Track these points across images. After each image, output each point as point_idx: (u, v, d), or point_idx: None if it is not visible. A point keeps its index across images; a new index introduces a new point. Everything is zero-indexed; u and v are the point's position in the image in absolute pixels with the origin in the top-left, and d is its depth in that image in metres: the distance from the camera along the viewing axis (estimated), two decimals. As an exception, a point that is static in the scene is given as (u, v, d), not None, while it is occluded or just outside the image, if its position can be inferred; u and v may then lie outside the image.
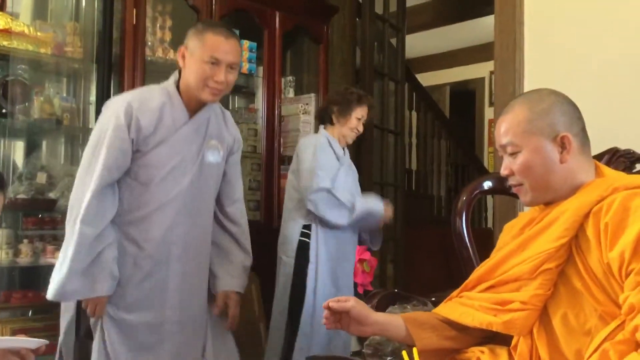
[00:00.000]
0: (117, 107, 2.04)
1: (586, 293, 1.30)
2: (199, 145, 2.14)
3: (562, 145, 1.38)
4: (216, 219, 2.28)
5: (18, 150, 2.89)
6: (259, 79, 3.38)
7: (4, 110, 2.65)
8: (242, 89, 3.65)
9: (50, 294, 2.00)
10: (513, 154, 1.42)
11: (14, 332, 2.52)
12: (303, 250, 2.78)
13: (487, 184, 2.07)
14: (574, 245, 1.34)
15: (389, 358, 1.66)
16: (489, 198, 5.35)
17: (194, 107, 2.13)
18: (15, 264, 2.66)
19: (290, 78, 3.62)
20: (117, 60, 2.79)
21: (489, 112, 6.95)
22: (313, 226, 2.78)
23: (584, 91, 1.47)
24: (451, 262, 4.60)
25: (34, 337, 1.54)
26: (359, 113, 2.86)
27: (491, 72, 6.27)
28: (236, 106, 3.69)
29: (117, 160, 2.01)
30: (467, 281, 1.52)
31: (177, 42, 3.06)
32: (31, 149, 2.91)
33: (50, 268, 2.07)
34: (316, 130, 3.38)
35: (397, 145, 4.55)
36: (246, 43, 3.28)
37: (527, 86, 2.56)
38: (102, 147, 2.01)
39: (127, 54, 2.76)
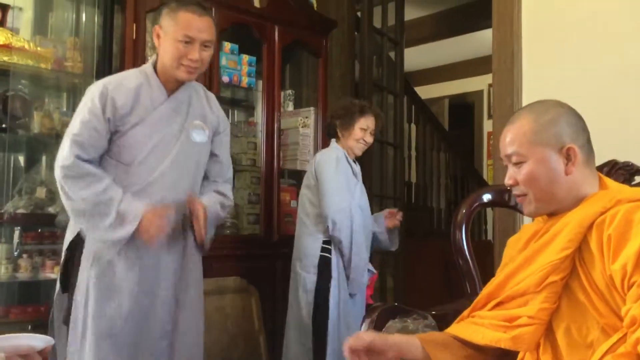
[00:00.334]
0: (93, 90, 2.08)
1: (589, 305, 1.30)
2: (179, 124, 2.16)
3: (568, 156, 1.38)
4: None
5: (18, 165, 2.89)
6: (258, 93, 3.39)
7: (4, 125, 2.65)
8: (242, 102, 3.66)
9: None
10: (518, 164, 1.41)
11: (13, 348, 2.51)
12: (325, 265, 2.76)
13: (487, 197, 2.07)
14: (577, 257, 1.34)
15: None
16: (489, 210, 5.34)
17: (172, 86, 2.15)
18: (14, 278, 2.65)
19: (289, 92, 3.63)
20: (117, 75, 2.80)
21: (487, 125, 6.96)
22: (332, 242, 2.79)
23: (581, 104, 1.47)
24: (451, 275, 4.59)
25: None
26: (363, 124, 2.86)
27: (490, 85, 6.28)
28: (236, 120, 3.69)
29: (90, 139, 2.03)
30: (477, 299, 1.51)
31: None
32: (31, 164, 2.91)
33: (49, 283, 2.06)
34: (322, 144, 3.41)
35: (397, 158, 4.56)
36: (245, 57, 3.29)
37: (525, 99, 2.57)
38: (76, 121, 2.05)
39: (127, 68, 2.76)
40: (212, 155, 2.29)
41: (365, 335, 1.39)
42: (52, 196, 2.77)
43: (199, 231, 2.14)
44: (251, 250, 3.16)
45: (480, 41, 5.77)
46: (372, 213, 3.08)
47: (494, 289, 1.47)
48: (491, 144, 6.16)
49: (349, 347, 1.38)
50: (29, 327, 2.75)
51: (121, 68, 2.78)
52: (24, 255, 2.68)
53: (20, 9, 2.80)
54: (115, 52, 2.81)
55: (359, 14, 4.30)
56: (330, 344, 2.69)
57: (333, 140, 2.94)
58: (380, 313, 1.77)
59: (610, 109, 2.21)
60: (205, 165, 2.28)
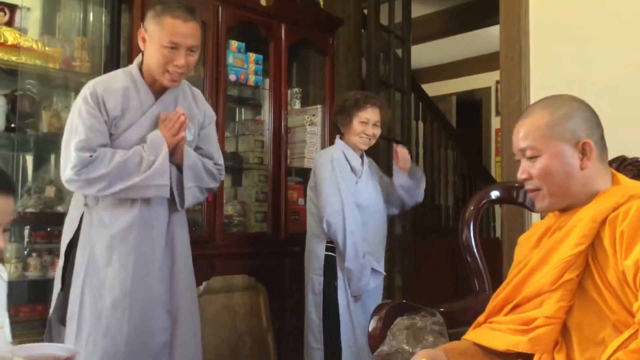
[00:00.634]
0: (83, 94, 2.09)
1: (600, 302, 1.30)
2: None
3: (583, 151, 1.38)
4: None
5: (27, 164, 2.91)
6: (265, 91, 3.39)
7: (12, 125, 2.67)
8: (249, 101, 3.67)
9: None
10: (532, 158, 1.41)
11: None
12: (330, 265, 2.71)
13: (495, 194, 2.06)
14: (590, 253, 1.34)
15: (398, 369, 1.65)
16: (497, 208, 5.32)
17: (159, 88, 2.16)
18: (24, 277, 2.66)
19: (296, 90, 3.63)
20: (124, 74, 2.81)
21: (495, 122, 6.94)
22: None
23: (589, 100, 1.46)
24: (459, 273, 4.58)
25: None
26: (362, 117, 2.77)
27: (497, 82, 6.26)
28: (243, 118, 3.70)
29: (96, 139, 2.06)
30: (493, 304, 1.50)
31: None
32: (40, 163, 2.93)
33: (59, 282, 2.11)
34: (329, 142, 3.40)
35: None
36: (252, 55, 3.30)
37: (533, 95, 2.56)
38: (79, 127, 2.05)
39: (134, 68, 2.77)
40: (197, 148, 2.30)
41: None
42: (61, 195, 2.79)
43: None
44: (259, 248, 3.17)
45: (487, 38, 5.75)
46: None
47: (509, 292, 1.46)
48: (499, 141, 6.14)
49: None
50: (40, 326, 2.77)
51: (128, 67, 2.78)
52: (34, 254, 2.70)
53: (28, 9, 2.81)
54: (122, 51, 2.81)
55: (365, 11, 4.29)
56: (344, 347, 2.65)
57: (337, 137, 2.89)
58: (389, 310, 1.77)
59: (619, 106, 2.20)
60: None
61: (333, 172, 2.70)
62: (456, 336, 1.62)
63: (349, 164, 2.77)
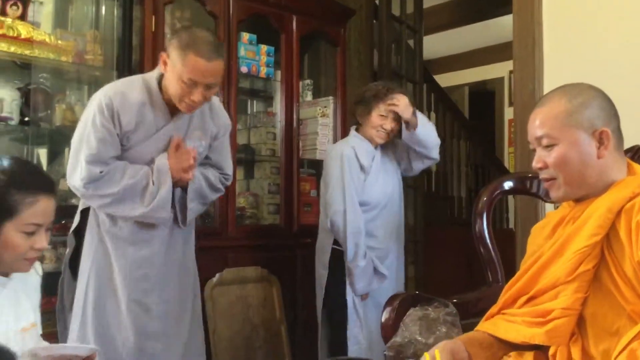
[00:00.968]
0: (100, 101, 2.08)
1: (616, 292, 1.29)
2: (181, 138, 2.18)
3: (600, 140, 1.37)
4: None
5: (41, 158, 2.93)
6: (277, 83, 3.39)
7: (26, 118, 2.69)
8: (260, 93, 3.67)
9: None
10: (548, 147, 1.39)
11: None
12: (338, 259, 2.66)
13: (508, 184, 2.05)
14: (605, 243, 1.33)
15: (411, 360, 1.65)
16: (511, 198, 5.30)
17: (175, 106, 2.14)
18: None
19: (308, 81, 3.62)
20: (136, 67, 2.82)
21: (508, 112, 6.89)
22: None
23: (604, 89, 1.45)
24: (472, 264, 4.57)
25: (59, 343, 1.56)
26: (382, 110, 2.67)
27: (510, 72, 6.22)
28: (255, 110, 3.70)
29: (107, 152, 2.07)
30: (506, 295, 1.49)
31: (195, 47, 3.08)
32: (54, 156, 2.95)
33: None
34: (341, 134, 3.39)
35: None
36: (264, 47, 3.29)
37: (547, 85, 2.53)
38: (91, 138, 2.06)
39: (146, 61, 2.78)
40: (206, 157, 2.32)
41: None
42: (75, 188, 2.81)
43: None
44: (271, 240, 3.18)
45: (500, 27, 5.70)
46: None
47: (524, 284, 1.45)
48: (512, 131, 6.10)
49: None
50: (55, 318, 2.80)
51: (141, 60, 2.80)
52: (49, 247, 2.72)
53: (41, 2, 2.82)
54: (134, 44, 2.82)
55: (377, 2, 4.27)
56: (351, 344, 2.63)
57: (352, 129, 2.83)
58: (402, 301, 1.77)
59: (633, 95, 2.17)
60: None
61: (341, 170, 2.64)
62: (469, 327, 1.62)
63: (359, 161, 2.69)
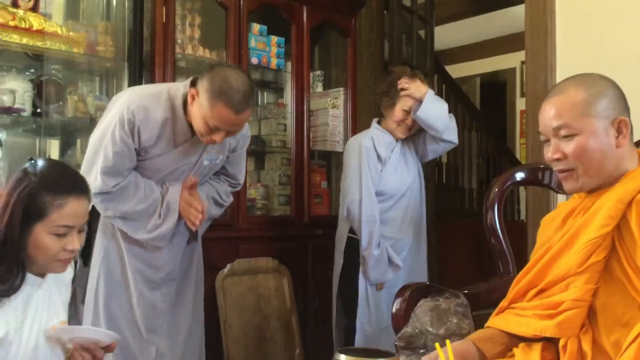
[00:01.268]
0: (121, 114, 2.06)
1: (627, 283, 1.28)
2: (197, 155, 2.19)
3: (619, 129, 1.35)
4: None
5: (53, 149, 2.95)
6: (287, 74, 3.39)
7: (39, 110, 2.70)
8: (271, 84, 3.66)
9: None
10: (567, 137, 1.36)
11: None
12: (353, 247, 2.69)
13: (520, 175, 2.04)
14: (616, 234, 1.32)
15: (421, 351, 1.65)
16: (522, 190, 5.28)
17: None
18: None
19: (318, 72, 3.62)
20: (147, 59, 2.82)
21: (520, 103, 6.84)
22: None
23: (617, 79, 1.44)
24: (483, 255, 4.57)
25: None
26: (406, 104, 2.67)
27: (522, 63, 6.17)
28: (265, 101, 3.70)
29: (122, 166, 2.09)
30: (516, 288, 1.48)
31: (206, 39, 3.09)
32: (66, 148, 2.96)
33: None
34: (352, 125, 3.40)
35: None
36: (274, 38, 3.29)
37: (559, 76, 2.52)
38: (108, 150, 2.06)
39: (157, 52, 2.79)
40: (224, 168, 2.35)
41: None
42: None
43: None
44: (282, 231, 3.18)
45: (512, 17, 5.65)
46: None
47: (534, 277, 1.44)
48: (524, 122, 6.06)
49: None
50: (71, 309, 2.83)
51: (152, 52, 2.80)
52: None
53: (52, -6, 2.84)
54: (145, 35, 2.83)
55: (388, -8, 4.24)
56: (358, 329, 2.65)
57: (374, 121, 2.83)
58: (413, 292, 1.78)
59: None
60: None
61: (358, 161, 2.67)
62: (480, 318, 1.62)
63: (376, 151, 2.69)
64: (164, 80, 2.77)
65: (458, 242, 4.85)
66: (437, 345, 1.33)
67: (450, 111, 2.81)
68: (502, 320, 1.47)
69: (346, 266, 2.72)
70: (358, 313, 2.65)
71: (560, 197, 2.23)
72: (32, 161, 1.51)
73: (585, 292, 1.32)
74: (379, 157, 2.69)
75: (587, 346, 1.33)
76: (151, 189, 2.14)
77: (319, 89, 3.58)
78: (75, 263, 2.26)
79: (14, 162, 2.75)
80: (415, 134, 2.80)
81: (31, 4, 2.67)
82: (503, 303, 1.52)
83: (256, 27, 3.22)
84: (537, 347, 1.41)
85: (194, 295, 2.35)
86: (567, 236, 1.39)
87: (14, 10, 2.60)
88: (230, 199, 2.44)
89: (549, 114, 1.39)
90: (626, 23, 2.31)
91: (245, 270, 2.92)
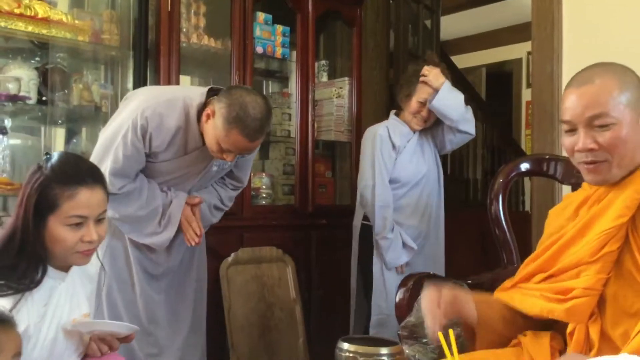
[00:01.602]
0: (134, 119, 2.06)
1: (637, 274, 1.28)
2: (206, 162, 2.20)
3: None
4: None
5: (59, 137, 2.96)
6: (293, 64, 3.38)
7: (44, 98, 2.71)
8: (276, 73, 3.66)
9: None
10: (602, 127, 1.31)
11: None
12: (367, 234, 2.78)
13: (525, 166, 2.04)
14: (631, 225, 1.31)
15: (424, 340, 1.66)
16: (527, 181, 5.27)
17: None
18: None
19: (323, 62, 3.61)
20: (152, 47, 2.82)
21: (526, 94, 6.82)
22: None
23: (625, 70, 1.42)
24: (487, 246, 4.56)
25: None
26: (422, 96, 2.71)
27: (528, 53, 6.13)
28: (270, 91, 3.69)
29: (131, 169, 2.10)
30: (523, 272, 1.47)
31: (211, 27, 3.08)
32: (71, 136, 2.97)
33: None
34: (357, 115, 3.42)
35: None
36: (279, 27, 3.28)
37: (565, 67, 2.50)
38: (119, 152, 2.07)
39: (162, 41, 2.78)
40: (230, 172, 2.36)
41: (447, 291, 1.38)
42: (92, 167, 2.83)
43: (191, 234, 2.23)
44: (286, 221, 3.19)
45: (518, 8, 5.61)
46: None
47: (543, 263, 1.43)
48: (530, 113, 6.03)
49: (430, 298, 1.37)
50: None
51: (157, 40, 2.80)
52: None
53: (58, -18, 2.83)
54: (150, 24, 2.82)
55: (394, -19, 4.22)
56: (373, 314, 2.72)
57: (392, 112, 2.89)
58: (416, 281, 1.78)
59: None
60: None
61: (372, 148, 2.74)
62: (483, 308, 1.61)
63: (391, 140, 2.75)
64: (168, 69, 2.77)
65: (462, 232, 4.84)
66: (440, 334, 1.33)
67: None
68: (506, 295, 1.46)
69: (362, 252, 2.82)
70: (373, 295, 2.72)
71: (565, 189, 2.23)
72: (47, 156, 1.52)
73: (596, 281, 1.31)
74: (393, 146, 2.75)
75: (595, 335, 1.32)
76: (153, 197, 2.16)
77: (324, 78, 3.58)
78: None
79: (19, 150, 2.76)
80: (434, 126, 2.84)
81: (36, -9, 2.67)
82: (506, 283, 1.51)
83: (261, 16, 3.21)
84: (546, 336, 1.41)
85: (196, 287, 2.36)
86: (580, 225, 1.38)
87: (20, -3, 2.60)
88: (232, 202, 2.46)
89: (581, 103, 1.32)
90: (633, 13, 2.29)
91: (250, 259, 2.93)
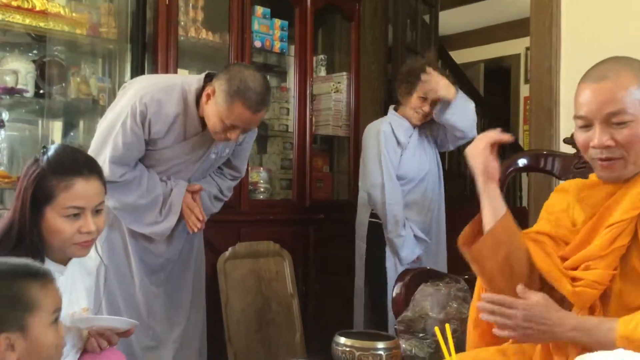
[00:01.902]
0: (133, 105, 2.06)
1: None
2: (206, 147, 2.20)
3: None
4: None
5: (56, 130, 2.95)
6: (291, 58, 3.37)
7: (42, 91, 2.70)
8: (274, 67, 3.65)
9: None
10: (620, 124, 1.29)
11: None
12: (376, 232, 2.77)
13: (522, 162, 2.04)
14: (638, 222, 1.30)
15: (420, 335, 1.67)
16: (524, 177, 5.27)
17: None
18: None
19: (322, 56, 3.60)
20: (150, 40, 2.81)
21: (524, 90, 6.81)
22: None
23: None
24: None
25: None
26: (423, 91, 2.72)
27: (527, 49, 6.13)
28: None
29: (131, 157, 2.10)
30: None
31: (209, 21, 3.07)
32: (69, 129, 2.97)
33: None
34: (355, 110, 3.41)
35: (430, 124, 4.49)
36: (278, 21, 3.27)
37: (564, 63, 2.50)
38: (118, 140, 2.06)
39: (160, 34, 2.78)
40: (228, 160, 2.36)
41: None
42: (90, 161, 2.83)
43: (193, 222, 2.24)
44: (284, 215, 3.19)
45: (517, 3, 5.60)
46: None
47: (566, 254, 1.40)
48: (528, 109, 6.04)
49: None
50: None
51: (155, 33, 2.79)
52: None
53: (55, -25, 2.82)
54: (148, 17, 2.81)
55: (392, -24, 4.21)
56: (390, 314, 2.70)
57: (391, 108, 2.89)
58: (413, 276, 1.79)
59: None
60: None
61: (378, 147, 2.73)
62: (480, 303, 1.62)
63: (395, 137, 2.76)
64: (166, 62, 2.77)
65: (459, 227, 4.85)
66: (436, 329, 1.34)
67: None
68: (532, 249, 1.40)
69: (371, 250, 2.80)
70: (388, 289, 2.68)
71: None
72: (44, 149, 1.52)
73: (605, 277, 1.31)
74: (398, 142, 2.76)
75: None
76: (154, 186, 2.16)
77: (322, 73, 3.57)
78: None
79: (17, 143, 2.75)
80: (434, 124, 2.85)
81: (34, -16, 2.66)
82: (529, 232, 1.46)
83: (260, 9, 3.20)
84: None
85: (194, 280, 2.36)
86: (591, 223, 1.36)
87: (17, -10, 2.59)
88: (231, 193, 2.47)
89: (598, 99, 1.31)
90: (632, 9, 2.29)
91: (247, 253, 2.93)
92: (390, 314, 2.64)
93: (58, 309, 1.25)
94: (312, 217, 3.25)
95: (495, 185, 1.38)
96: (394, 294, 1.82)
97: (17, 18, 2.57)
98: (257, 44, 3.18)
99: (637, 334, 1.20)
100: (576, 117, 1.36)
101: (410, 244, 2.72)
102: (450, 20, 6.16)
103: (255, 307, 2.87)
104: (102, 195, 1.53)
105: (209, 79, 2.13)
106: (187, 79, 2.20)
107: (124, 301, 2.19)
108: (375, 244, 2.77)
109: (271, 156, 3.47)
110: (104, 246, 2.16)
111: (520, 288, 1.32)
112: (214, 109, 2.03)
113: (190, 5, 3.04)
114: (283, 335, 2.93)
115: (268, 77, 3.70)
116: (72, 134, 2.95)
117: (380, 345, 1.65)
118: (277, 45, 3.29)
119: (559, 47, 2.52)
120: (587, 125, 1.34)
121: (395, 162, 2.74)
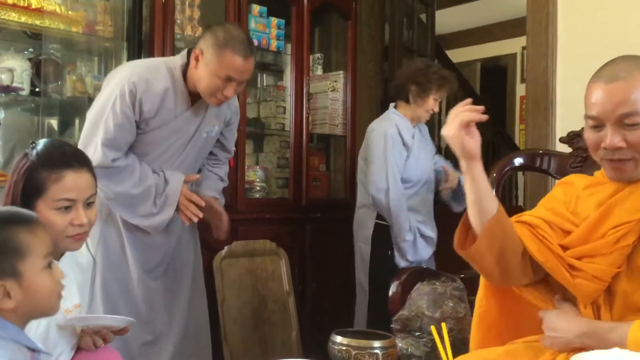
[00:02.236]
0: (121, 86, 2.07)
1: None
2: (196, 125, 2.21)
3: None
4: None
5: (52, 128, 2.94)
6: (287, 57, 3.37)
7: (37, 89, 2.69)
8: (271, 66, 3.65)
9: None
10: (633, 125, 1.28)
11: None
12: (382, 233, 2.77)
13: (518, 161, 2.05)
14: None
15: (417, 333, 1.67)
16: (520, 176, 5.28)
17: (197, 94, 2.16)
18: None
19: (318, 55, 3.60)
20: (146, 39, 2.81)
21: (520, 89, 6.83)
22: None
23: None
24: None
25: None
26: (437, 94, 2.77)
27: (523, 48, 6.14)
28: (264, 84, 3.69)
29: (123, 139, 2.09)
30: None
31: (206, 19, 3.07)
32: (64, 127, 2.96)
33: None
34: (351, 109, 3.40)
35: (427, 123, 4.49)
36: (274, 20, 3.27)
37: (560, 62, 2.51)
38: (109, 123, 2.06)
39: (156, 32, 2.77)
40: (218, 141, 2.38)
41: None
42: (86, 159, 2.82)
43: (222, 230, 2.31)
44: (280, 214, 3.19)
45: (514, 2, 5.61)
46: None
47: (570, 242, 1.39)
48: (524, 108, 6.05)
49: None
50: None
51: (151, 32, 2.78)
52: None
53: (51, -28, 2.81)
54: (145, 15, 2.81)
55: (389, -25, 4.21)
56: None
57: (391, 106, 2.88)
58: (409, 275, 1.79)
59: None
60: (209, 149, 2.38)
61: (384, 149, 2.72)
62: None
63: (402, 139, 2.77)
64: (163, 61, 2.76)
65: (455, 226, 4.86)
66: (432, 328, 1.34)
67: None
68: (525, 236, 1.38)
69: (377, 252, 2.78)
70: None
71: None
72: (33, 144, 1.52)
73: (606, 273, 1.31)
74: (404, 144, 2.77)
75: None
76: (146, 176, 2.15)
77: (319, 71, 3.57)
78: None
79: (12, 141, 2.74)
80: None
81: (30, -19, 2.65)
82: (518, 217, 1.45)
83: (256, 8, 3.20)
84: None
85: (193, 274, 2.35)
86: (594, 218, 1.35)
87: (13, -13, 2.58)
88: (225, 178, 2.49)
89: (611, 100, 1.30)
90: (628, 8, 2.30)
91: (243, 252, 2.93)
92: None
93: (49, 253, 1.26)
94: (309, 216, 3.25)
95: (477, 163, 1.36)
96: (390, 293, 1.82)
97: (13, 16, 2.56)
98: (254, 42, 3.17)
99: None
100: (587, 117, 1.35)
101: (418, 246, 2.76)
102: (447, 19, 6.16)
103: (252, 306, 2.87)
104: (93, 188, 1.53)
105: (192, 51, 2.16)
106: (170, 58, 2.26)
107: (123, 298, 2.18)
108: (383, 246, 2.76)
109: (267, 155, 3.47)
110: (99, 242, 2.15)
111: (557, 298, 1.33)
112: (205, 69, 2.06)
113: (187, 3, 3.03)
114: (279, 334, 2.93)
115: (264, 75, 3.72)
116: (67, 132, 2.94)
117: (377, 344, 1.66)
118: (274, 44, 3.29)
119: (555, 47, 2.52)
120: (599, 126, 1.33)
121: (401, 165, 2.75)
